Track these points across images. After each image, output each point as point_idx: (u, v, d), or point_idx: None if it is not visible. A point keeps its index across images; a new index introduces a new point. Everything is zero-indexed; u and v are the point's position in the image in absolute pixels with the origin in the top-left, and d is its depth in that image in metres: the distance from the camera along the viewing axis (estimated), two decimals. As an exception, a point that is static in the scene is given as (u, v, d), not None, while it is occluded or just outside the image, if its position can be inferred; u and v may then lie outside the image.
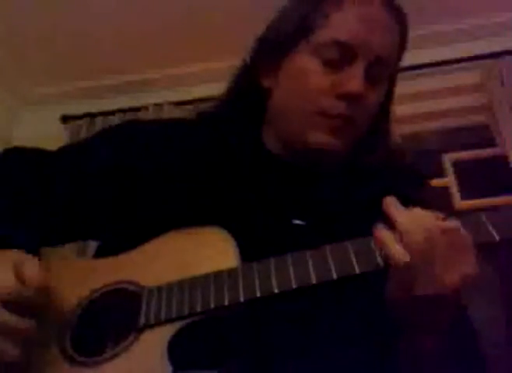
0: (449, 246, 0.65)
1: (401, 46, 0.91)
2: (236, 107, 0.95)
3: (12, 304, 0.71)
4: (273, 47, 0.91)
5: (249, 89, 0.94)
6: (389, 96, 0.94)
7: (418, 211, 0.67)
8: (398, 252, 0.64)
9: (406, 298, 0.67)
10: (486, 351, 0.80)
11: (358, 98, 0.83)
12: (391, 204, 0.68)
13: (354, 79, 0.83)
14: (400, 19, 0.89)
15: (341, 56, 0.84)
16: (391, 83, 0.93)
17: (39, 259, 0.79)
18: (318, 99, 0.85)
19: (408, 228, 0.65)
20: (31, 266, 0.75)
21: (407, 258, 0.64)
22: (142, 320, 0.73)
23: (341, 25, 0.85)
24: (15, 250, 0.80)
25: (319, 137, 0.85)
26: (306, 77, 0.86)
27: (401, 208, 0.68)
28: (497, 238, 0.66)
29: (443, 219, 0.68)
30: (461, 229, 0.66)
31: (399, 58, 0.92)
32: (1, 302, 0.71)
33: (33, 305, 0.74)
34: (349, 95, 0.83)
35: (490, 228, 0.67)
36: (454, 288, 0.65)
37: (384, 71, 0.87)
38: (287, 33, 0.89)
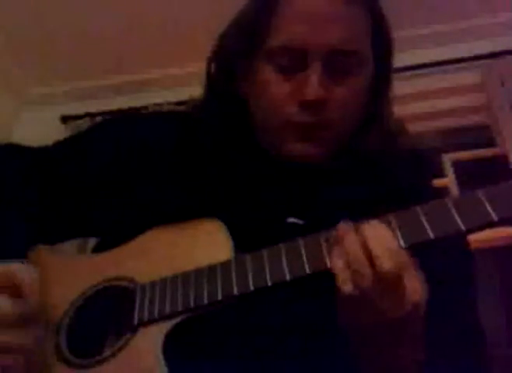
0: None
1: (374, 25, 0.84)
2: (223, 111, 0.92)
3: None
4: (231, 60, 0.88)
5: (229, 96, 0.90)
6: (384, 80, 0.89)
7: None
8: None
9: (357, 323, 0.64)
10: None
11: (319, 103, 0.79)
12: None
13: (308, 86, 0.78)
14: (359, 1, 0.82)
15: (293, 61, 0.80)
16: (383, 66, 0.87)
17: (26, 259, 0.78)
18: (282, 109, 0.81)
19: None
20: (28, 278, 0.70)
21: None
22: (136, 318, 0.72)
23: (284, 29, 0.81)
24: None
25: (295, 148, 0.82)
26: (266, 87, 0.82)
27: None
28: (495, 218, 0.61)
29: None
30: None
31: (379, 39, 0.85)
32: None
33: (34, 315, 0.71)
34: (308, 104, 0.79)
35: (488, 206, 0.62)
36: (405, 314, 0.60)
37: (353, 59, 0.81)
38: (238, 49, 0.86)
